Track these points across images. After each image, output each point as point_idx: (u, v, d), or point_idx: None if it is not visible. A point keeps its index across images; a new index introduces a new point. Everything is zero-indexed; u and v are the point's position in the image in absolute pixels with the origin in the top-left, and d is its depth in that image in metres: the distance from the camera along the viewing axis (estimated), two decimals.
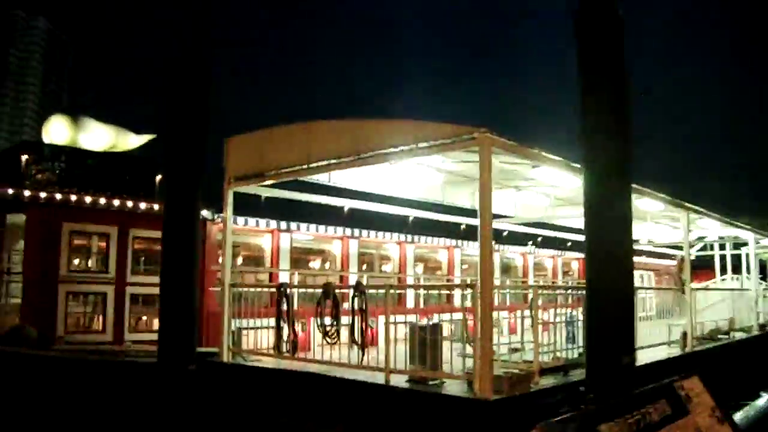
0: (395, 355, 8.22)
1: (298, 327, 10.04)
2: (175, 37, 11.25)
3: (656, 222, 18.69)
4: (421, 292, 15.27)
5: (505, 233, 18.19)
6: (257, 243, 13.78)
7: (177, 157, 10.78)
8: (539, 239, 19.17)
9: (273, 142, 10.79)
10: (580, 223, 18.45)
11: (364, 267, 15.49)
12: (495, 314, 11.33)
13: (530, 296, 10.02)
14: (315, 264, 15.36)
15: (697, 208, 13.35)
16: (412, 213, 14.36)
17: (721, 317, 15.83)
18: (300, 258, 14.60)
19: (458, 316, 9.33)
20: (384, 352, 8.25)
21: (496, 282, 15.84)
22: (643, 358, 10.78)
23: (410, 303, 14.80)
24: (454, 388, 7.84)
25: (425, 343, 8.16)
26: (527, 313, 9.25)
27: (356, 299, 8.82)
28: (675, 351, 12.40)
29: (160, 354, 10.23)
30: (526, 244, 19.47)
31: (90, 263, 11.82)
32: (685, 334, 12.52)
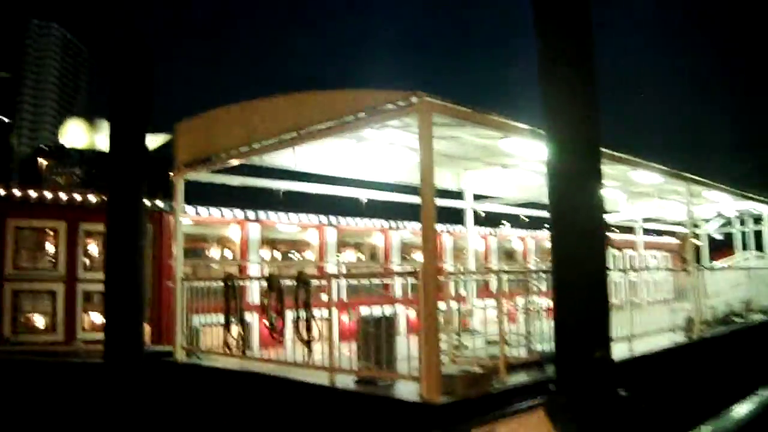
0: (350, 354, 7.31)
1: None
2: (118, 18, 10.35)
3: (665, 198, 17.46)
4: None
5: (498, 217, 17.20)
6: (225, 234, 12.93)
7: (120, 144, 9.94)
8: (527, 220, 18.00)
9: (217, 125, 9.93)
10: None
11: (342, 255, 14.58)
12: (476, 303, 10.45)
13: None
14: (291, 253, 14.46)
15: (698, 178, 12.11)
16: (391, 198, 13.30)
17: (742, 298, 14.60)
18: (273, 248, 13.74)
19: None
20: (339, 349, 7.34)
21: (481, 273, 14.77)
22: (638, 348, 9.71)
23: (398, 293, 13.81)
24: (403, 389, 6.86)
25: (378, 339, 7.19)
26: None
27: (300, 291, 7.87)
28: (680, 338, 11.26)
29: (106, 354, 9.42)
30: (526, 227, 18.38)
31: (38, 260, 11.06)
32: (690, 320, 11.34)
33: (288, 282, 8.21)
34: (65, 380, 9.64)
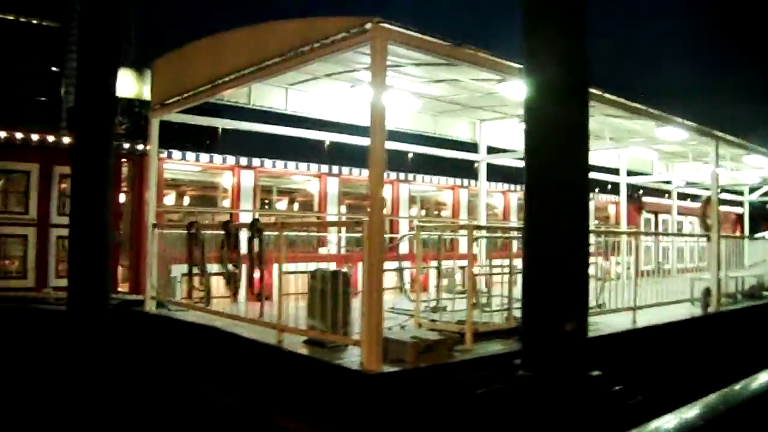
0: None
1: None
2: None
3: (702, 161, 16.12)
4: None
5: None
6: (216, 181, 12.33)
7: (87, 84, 9.34)
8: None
9: (187, 61, 9.21)
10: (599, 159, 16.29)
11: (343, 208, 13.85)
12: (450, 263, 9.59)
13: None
14: (282, 204, 13.81)
15: (729, 137, 10.84)
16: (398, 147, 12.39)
17: None
18: (266, 198, 13.09)
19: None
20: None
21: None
22: (643, 319, 8.77)
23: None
24: (353, 355, 6.13)
25: (333, 296, 6.44)
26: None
27: (254, 242, 7.17)
28: (697, 310, 10.23)
29: (69, 302, 8.99)
30: None
31: (9, 204, 10.63)
32: (708, 291, 10.27)
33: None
34: (29, 327, 9.27)
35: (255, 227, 7.13)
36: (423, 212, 16.58)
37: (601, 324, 8.41)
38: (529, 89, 5.93)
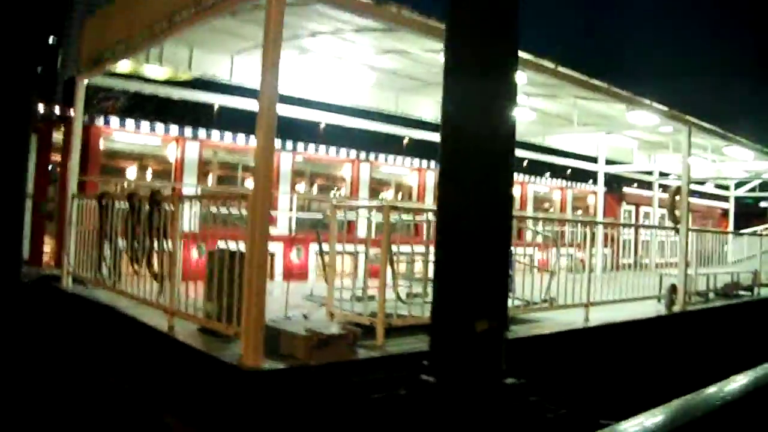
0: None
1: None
2: None
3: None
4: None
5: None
6: (162, 154, 11.56)
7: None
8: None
9: (109, 19, 8.42)
10: (579, 147, 15.47)
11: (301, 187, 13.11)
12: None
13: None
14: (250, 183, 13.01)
15: (702, 123, 10.04)
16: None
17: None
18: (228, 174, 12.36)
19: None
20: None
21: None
22: (600, 317, 8.06)
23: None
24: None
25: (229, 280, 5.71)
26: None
27: (154, 215, 6.43)
28: (662, 309, 9.51)
29: None
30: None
31: None
32: (674, 288, 9.55)
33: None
34: None
35: (154, 199, 6.38)
36: (395, 195, 15.76)
37: (548, 322, 7.72)
38: (447, 50, 5.16)
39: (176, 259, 5.99)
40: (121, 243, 7.50)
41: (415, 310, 6.42)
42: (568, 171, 18.09)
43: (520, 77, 8.43)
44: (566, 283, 8.04)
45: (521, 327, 7.25)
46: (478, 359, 4.86)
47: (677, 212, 9.67)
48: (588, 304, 7.98)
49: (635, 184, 19.63)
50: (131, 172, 11.69)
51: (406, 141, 13.45)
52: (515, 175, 16.72)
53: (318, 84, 10.45)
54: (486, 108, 5.07)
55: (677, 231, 9.85)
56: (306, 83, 10.25)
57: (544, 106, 11.95)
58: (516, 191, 16.70)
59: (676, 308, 9.51)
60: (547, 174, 18.12)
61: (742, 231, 17.30)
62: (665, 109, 9.48)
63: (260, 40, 9.50)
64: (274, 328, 5.43)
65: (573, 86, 8.94)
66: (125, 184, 10.65)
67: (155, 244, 6.45)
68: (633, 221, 17.81)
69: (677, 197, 9.75)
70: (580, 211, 18.79)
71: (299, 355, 5.12)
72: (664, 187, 20.82)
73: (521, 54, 7.23)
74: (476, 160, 5.02)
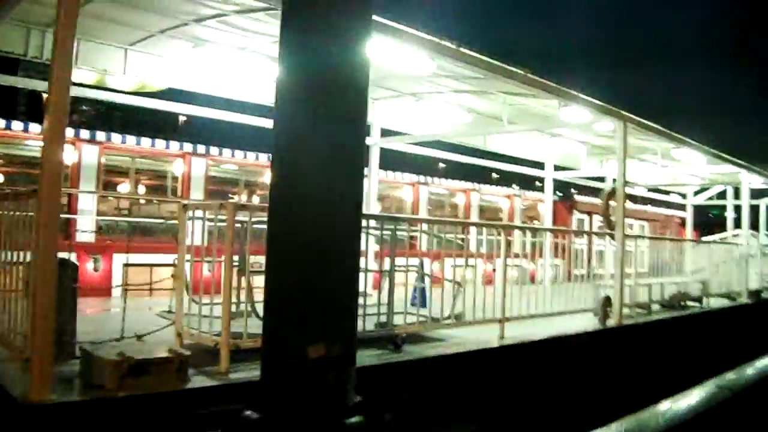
0: None
1: None
2: None
3: (639, 159, 14.72)
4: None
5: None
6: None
7: None
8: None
9: None
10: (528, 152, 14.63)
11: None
12: None
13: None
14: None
15: (639, 119, 9.25)
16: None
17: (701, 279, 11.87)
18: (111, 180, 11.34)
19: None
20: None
21: None
22: (520, 333, 7.15)
23: None
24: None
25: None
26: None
27: None
28: (593, 323, 8.62)
29: None
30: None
31: None
32: (608, 300, 8.69)
33: None
34: None
35: None
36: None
37: (456, 340, 6.81)
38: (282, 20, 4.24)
39: None
40: None
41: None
42: (520, 179, 17.28)
43: (427, 64, 7.63)
44: (489, 297, 7.13)
45: (418, 347, 6.34)
46: (313, 391, 3.90)
47: (612, 217, 8.85)
48: (503, 320, 7.07)
49: (588, 192, 18.94)
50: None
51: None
52: (457, 181, 15.92)
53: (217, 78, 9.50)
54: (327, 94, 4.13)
55: (612, 237, 9.03)
56: (202, 77, 9.32)
57: (476, 105, 11.16)
58: (459, 199, 15.84)
59: (611, 322, 8.66)
60: (496, 181, 17.33)
61: (706, 239, 16.59)
62: (597, 102, 8.68)
63: (152, 30, 8.70)
64: (88, 353, 4.46)
65: (500, 80, 8.11)
66: None
67: None
68: (587, 230, 17.04)
69: (611, 201, 8.94)
70: (538, 222, 18.00)
71: (107, 384, 4.15)
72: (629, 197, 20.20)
73: (417, 33, 6.40)
74: (313, 158, 4.07)
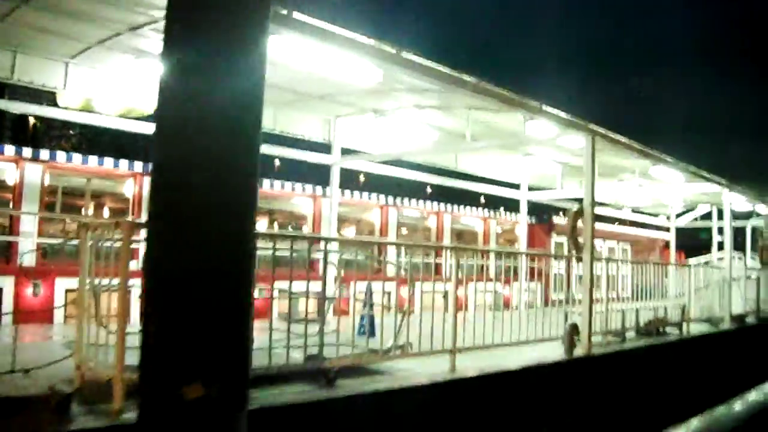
0: None
1: None
2: None
3: (618, 179, 14.29)
4: None
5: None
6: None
7: None
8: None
9: None
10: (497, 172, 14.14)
11: None
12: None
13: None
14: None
15: (608, 133, 8.78)
16: None
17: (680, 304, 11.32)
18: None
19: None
20: None
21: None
22: (479, 366, 6.58)
23: None
24: None
25: None
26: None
27: None
28: (559, 353, 8.03)
29: None
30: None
31: None
32: (574, 327, 8.12)
33: None
34: None
35: None
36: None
37: (402, 373, 6.23)
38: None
39: None
40: None
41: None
42: (497, 201, 16.79)
43: (373, 73, 7.13)
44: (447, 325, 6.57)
45: (357, 381, 5.76)
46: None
47: (580, 239, 8.32)
48: (454, 351, 6.49)
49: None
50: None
51: None
52: (430, 203, 15.41)
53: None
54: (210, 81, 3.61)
55: (580, 260, 8.48)
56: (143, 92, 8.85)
57: (442, 122, 10.69)
58: (431, 222, 15.31)
59: (579, 351, 8.08)
60: (470, 203, 16.82)
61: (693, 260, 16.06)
62: (562, 115, 8.20)
63: (90, 42, 8.25)
64: None
65: (458, 93, 7.64)
66: None
67: None
68: (566, 254, 16.53)
69: (579, 222, 8.41)
70: (518, 245, 17.48)
71: None
72: (609, 219, 19.74)
73: (353, 35, 5.91)
74: (204, 158, 3.53)
